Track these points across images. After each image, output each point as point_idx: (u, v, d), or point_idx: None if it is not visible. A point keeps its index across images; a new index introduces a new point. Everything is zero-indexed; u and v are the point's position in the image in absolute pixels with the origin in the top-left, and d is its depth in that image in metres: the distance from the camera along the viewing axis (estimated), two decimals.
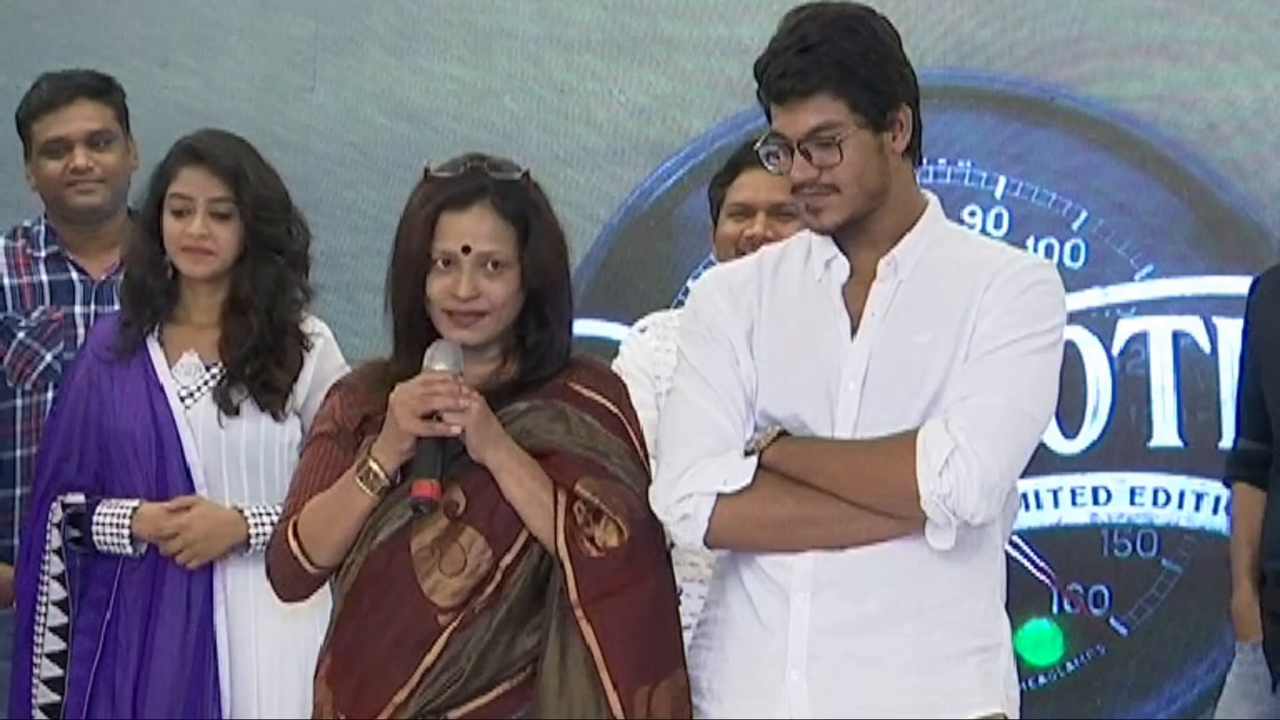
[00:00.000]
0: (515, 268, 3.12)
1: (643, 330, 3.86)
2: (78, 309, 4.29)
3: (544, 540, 3.06)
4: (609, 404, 3.15)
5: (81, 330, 4.22)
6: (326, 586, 3.28)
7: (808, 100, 3.00)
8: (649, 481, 3.10)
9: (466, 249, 3.10)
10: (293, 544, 3.14)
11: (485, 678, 3.02)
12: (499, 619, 3.04)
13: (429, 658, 3.02)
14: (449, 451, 3.07)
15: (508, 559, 3.06)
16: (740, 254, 3.54)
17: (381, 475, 3.08)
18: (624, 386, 3.23)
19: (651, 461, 3.16)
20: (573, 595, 3.01)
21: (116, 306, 4.10)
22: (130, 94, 4.44)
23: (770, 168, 3.10)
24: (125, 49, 5.45)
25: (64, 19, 5.51)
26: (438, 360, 3.10)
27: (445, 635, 3.03)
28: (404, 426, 3.05)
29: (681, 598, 3.27)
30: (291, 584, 3.21)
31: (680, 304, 3.92)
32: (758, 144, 3.10)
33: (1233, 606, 4.33)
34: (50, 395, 4.15)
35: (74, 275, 4.32)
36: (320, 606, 3.45)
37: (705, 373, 3.11)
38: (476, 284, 3.10)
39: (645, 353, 3.76)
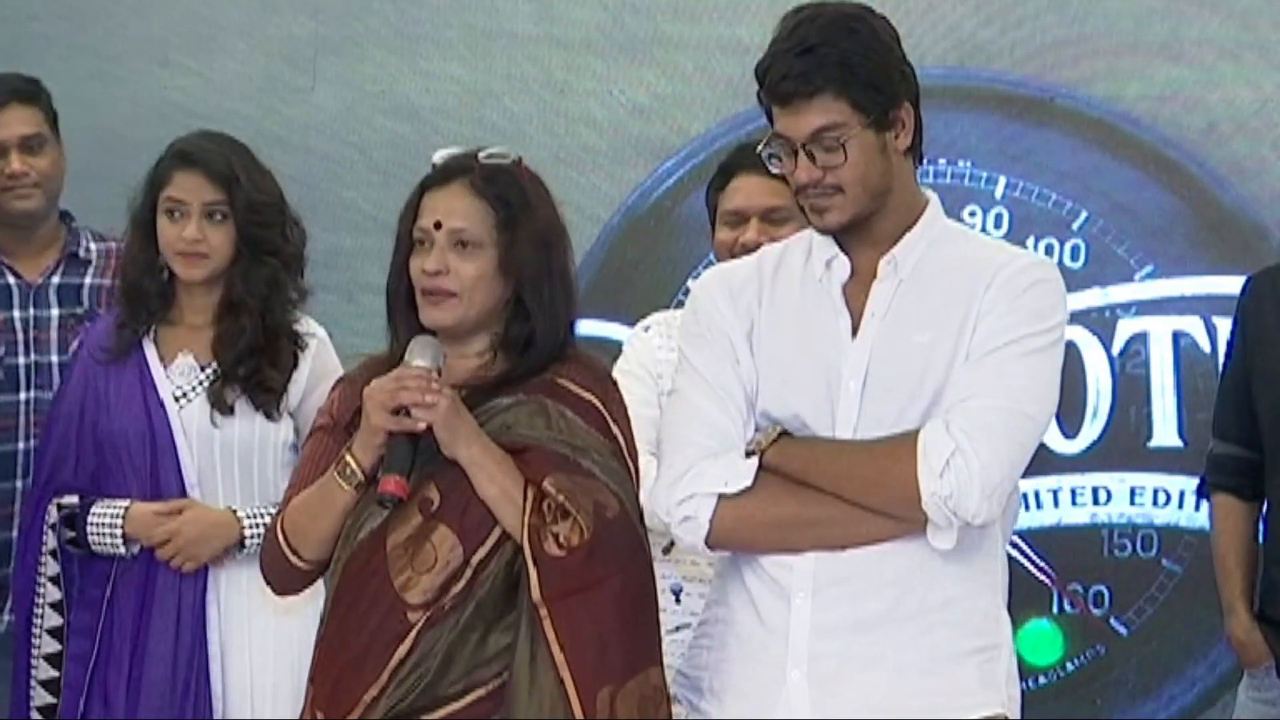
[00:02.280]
0: (491, 250, 3.09)
1: (646, 329, 3.85)
2: (16, 313, 4.24)
3: (515, 537, 3.02)
4: (594, 399, 3.11)
5: (20, 334, 4.20)
6: (321, 584, 3.28)
7: (811, 102, 2.99)
8: (632, 479, 3.08)
9: (438, 224, 3.08)
10: (280, 538, 3.14)
11: (455, 677, 2.99)
12: (467, 616, 3.01)
13: (397, 655, 3.00)
14: (425, 448, 3.05)
15: (479, 556, 3.03)
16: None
17: (357, 471, 3.06)
18: (613, 383, 3.18)
19: (645, 459, 3.15)
20: (535, 594, 2.97)
21: (55, 310, 4.14)
22: (130, 94, 4.45)
23: (773, 169, 3.09)
24: (125, 49, 5.45)
25: (64, 19, 5.51)
26: (415, 355, 3.08)
27: (414, 633, 3.00)
28: (374, 421, 3.03)
29: (682, 597, 3.26)
30: (282, 578, 3.20)
31: (681, 304, 3.91)
32: (760, 146, 3.09)
33: (1231, 635, 4.23)
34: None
35: (10, 279, 4.26)
36: (314, 605, 3.45)
37: (706, 373, 3.11)
38: (445, 260, 3.07)
39: (648, 351, 3.77)
